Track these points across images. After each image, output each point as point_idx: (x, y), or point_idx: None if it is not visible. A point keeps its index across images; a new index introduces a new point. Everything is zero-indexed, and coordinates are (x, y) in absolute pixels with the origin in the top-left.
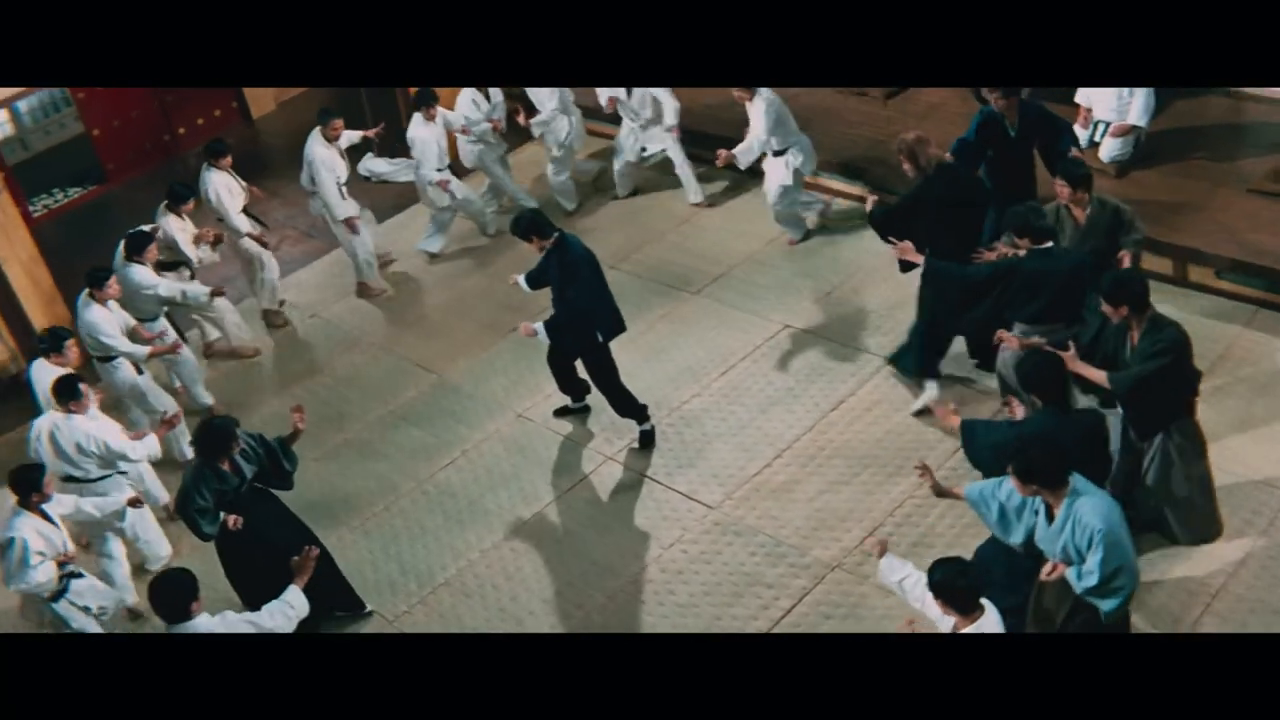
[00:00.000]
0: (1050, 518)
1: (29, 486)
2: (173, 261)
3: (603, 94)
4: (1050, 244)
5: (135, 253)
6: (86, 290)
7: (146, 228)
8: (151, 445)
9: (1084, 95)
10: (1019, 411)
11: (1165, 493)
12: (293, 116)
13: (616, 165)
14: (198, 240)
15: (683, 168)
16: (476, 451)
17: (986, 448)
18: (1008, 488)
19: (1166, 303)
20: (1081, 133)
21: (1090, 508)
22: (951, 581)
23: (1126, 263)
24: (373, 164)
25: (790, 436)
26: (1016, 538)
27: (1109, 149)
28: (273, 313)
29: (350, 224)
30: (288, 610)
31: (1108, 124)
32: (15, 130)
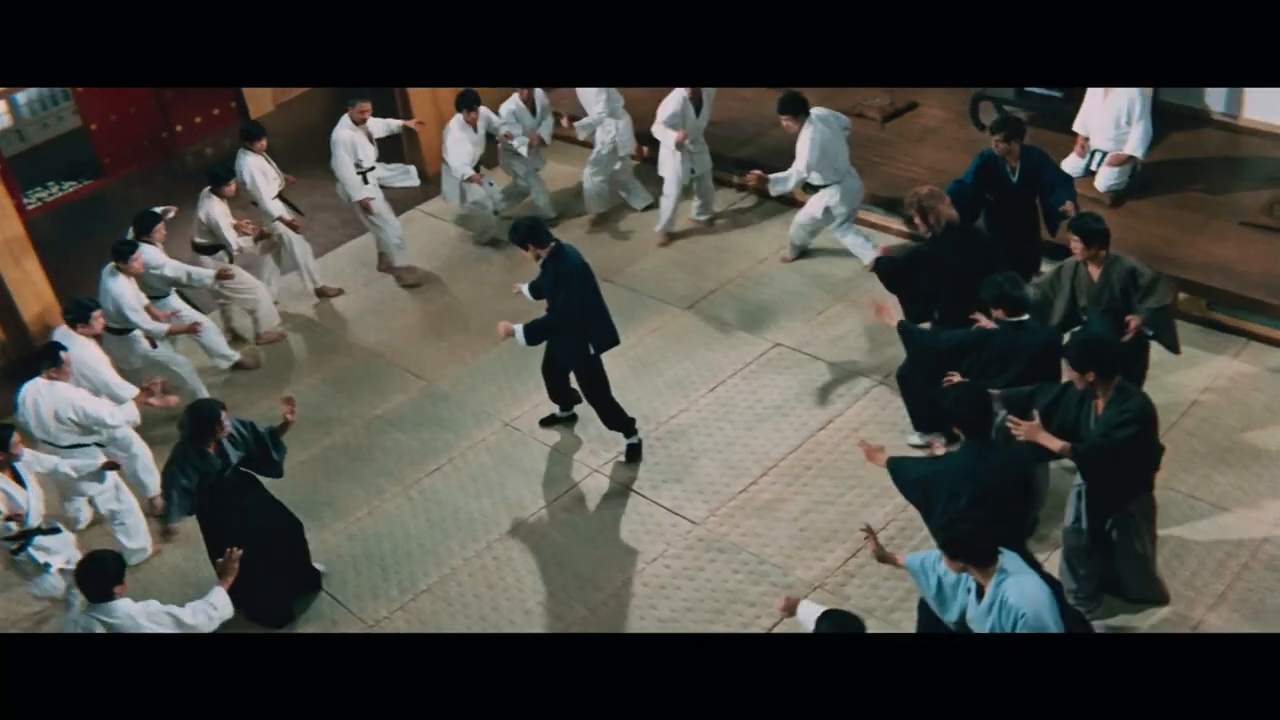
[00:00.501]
0: (980, 596)
1: None
2: (212, 245)
3: (667, 129)
4: (1025, 316)
5: (143, 232)
6: (112, 263)
7: (157, 209)
8: (130, 412)
9: (1081, 124)
10: (938, 450)
11: (1127, 554)
12: (290, 118)
13: (673, 193)
14: (238, 229)
15: (707, 185)
16: (463, 459)
17: (912, 484)
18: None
19: None
20: (1078, 161)
21: (1017, 591)
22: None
23: (1133, 326)
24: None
25: (777, 455)
26: (951, 615)
27: (1105, 178)
28: (321, 289)
29: (364, 205)
30: (210, 611)
31: (1104, 153)
32: (13, 122)
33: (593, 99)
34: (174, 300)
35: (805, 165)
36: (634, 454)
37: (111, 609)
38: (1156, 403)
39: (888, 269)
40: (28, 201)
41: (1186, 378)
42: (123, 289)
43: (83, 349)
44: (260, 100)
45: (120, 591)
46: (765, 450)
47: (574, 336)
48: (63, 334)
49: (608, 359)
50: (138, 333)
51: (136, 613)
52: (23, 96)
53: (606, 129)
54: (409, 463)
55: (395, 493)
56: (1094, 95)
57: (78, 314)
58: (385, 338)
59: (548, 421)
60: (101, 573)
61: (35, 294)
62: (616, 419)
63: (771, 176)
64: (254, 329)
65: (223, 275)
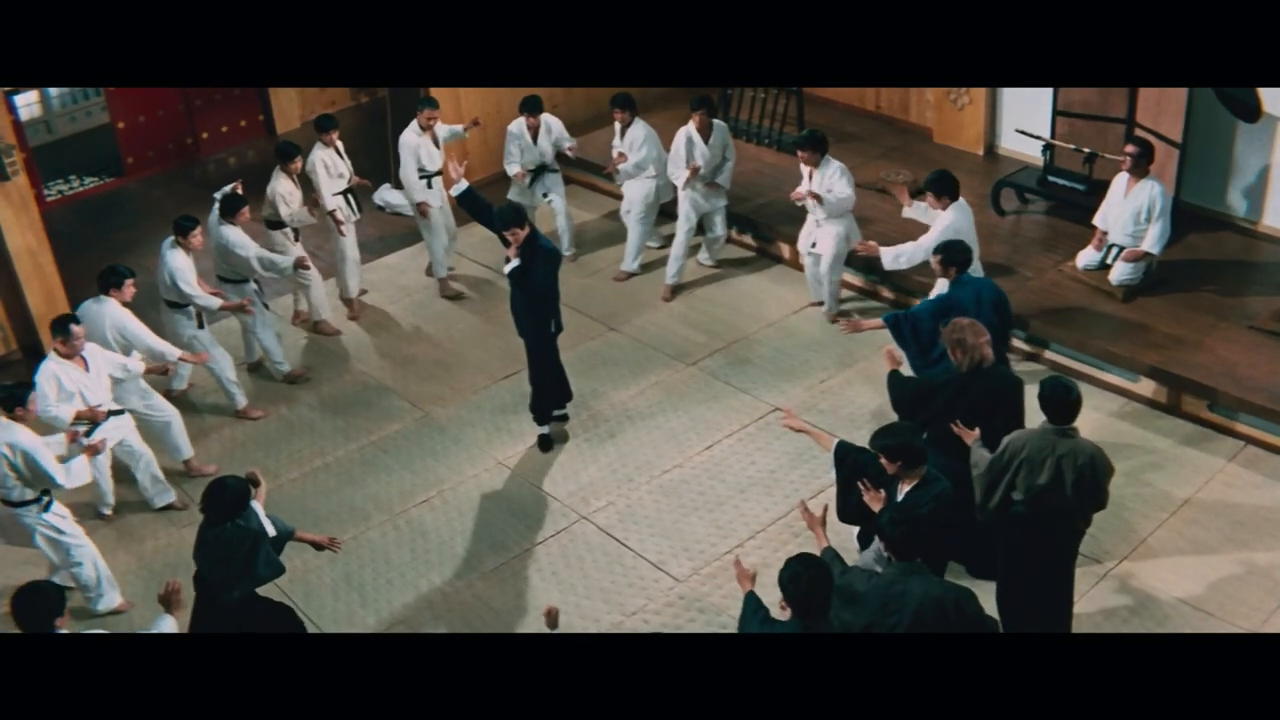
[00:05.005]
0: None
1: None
2: (278, 221)
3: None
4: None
5: (229, 214)
6: (172, 237)
7: (227, 188)
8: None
9: (1101, 217)
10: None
11: None
12: (315, 134)
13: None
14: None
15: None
16: (453, 493)
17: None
18: None
19: (1156, 431)
20: (1094, 254)
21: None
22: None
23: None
24: (388, 194)
25: (766, 519)
26: None
27: (1119, 272)
28: (350, 300)
29: (422, 209)
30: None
31: (1121, 248)
32: (42, 112)
33: (639, 144)
34: (250, 286)
35: (929, 246)
36: (545, 445)
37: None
38: (1149, 500)
39: (904, 390)
40: (47, 193)
41: (1181, 477)
42: (181, 263)
43: (117, 312)
44: (288, 116)
45: (61, 624)
46: (755, 514)
47: (538, 316)
48: (91, 301)
49: (608, 406)
50: (191, 309)
51: None
52: (55, 89)
53: (644, 184)
54: (398, 492)
55: (381, 520)
56: (1116, 190)
57: (112, 279)
58: (389, 365)
59: (545, 445)
60: (42, 603)
61: (44, 285)
62: (541, 404)
63: (884, 251)
64: (310, 316)
65: (301, 265)
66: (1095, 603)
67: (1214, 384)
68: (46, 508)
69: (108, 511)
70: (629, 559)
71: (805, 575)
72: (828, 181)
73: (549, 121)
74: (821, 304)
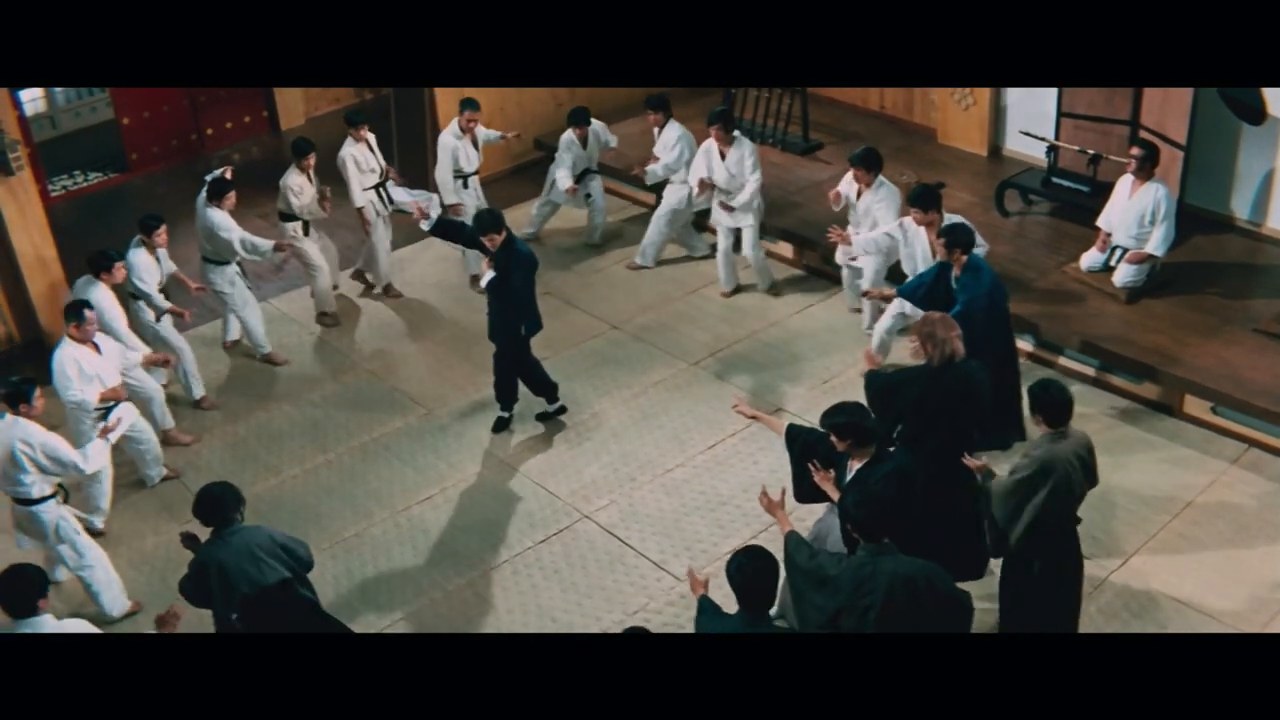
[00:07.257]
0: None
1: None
2: (290, 214)
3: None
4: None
5: (215, 198)
6: (138, 236)
7: (218, 171)
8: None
9: (1105, 220)
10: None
11: None
12: (319, 131)
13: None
14: (321, 199)
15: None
16: (455, 491)
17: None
18: None
19: (1159, 433)
20: (1098, 256)
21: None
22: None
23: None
24: (392, 192)
25: (768, 518)
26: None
27: (1123, 274)
28: (387, 287)
29: (455, 210)
30: None
31: (1125, 250)
32: (47, 108)
33: (671, 145)
34: (232, 269)
35: (893, 218)
36: (499, 426)
37: (35, 625)
38: (1152, 503)
39: (876, 384)
40: (52, 188)
41: (1184, 479)
42: (141, 260)
43: (104, 296)
44: (292, 113)
45: (44, 606)
46: (757, 512)
47: (511, 319)
48: (83, 280)
49: (610, 405)
50: (142, 304)
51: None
52: None
53: (679, 189)
54: (401, 489)
55: (383, 517)
56: (1120, 192)
57: (102, 263)
58: (393, 362)
59: (542, 416)
60: (25, 585)
61: (48, 280)
62: (504, 393)
63: (859, 240)
64: (314, 307)
65: (280, 248)
66: (1097, 605)
67: (1217, 386)
68: (65, 499)
69: (100, 524)
70: (631, 558)
71: (750, 566)
72: (874, 207)
73: (594, 126)
74: (859, 310)
